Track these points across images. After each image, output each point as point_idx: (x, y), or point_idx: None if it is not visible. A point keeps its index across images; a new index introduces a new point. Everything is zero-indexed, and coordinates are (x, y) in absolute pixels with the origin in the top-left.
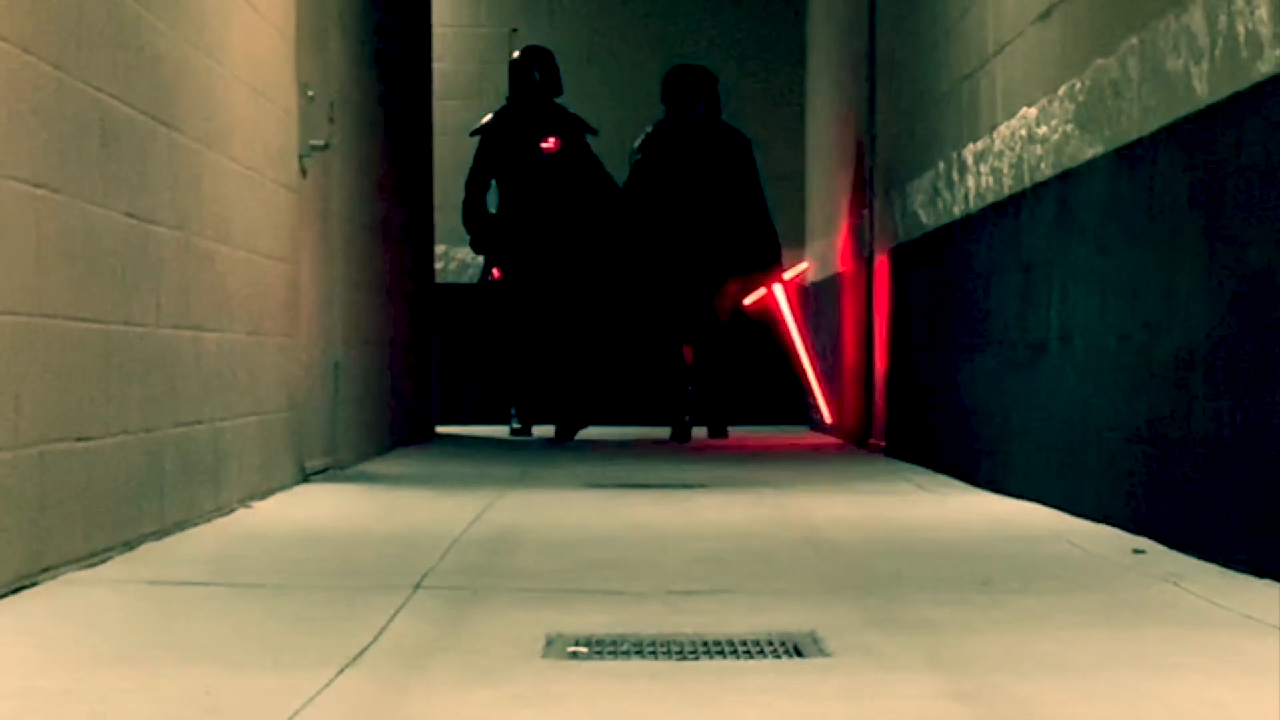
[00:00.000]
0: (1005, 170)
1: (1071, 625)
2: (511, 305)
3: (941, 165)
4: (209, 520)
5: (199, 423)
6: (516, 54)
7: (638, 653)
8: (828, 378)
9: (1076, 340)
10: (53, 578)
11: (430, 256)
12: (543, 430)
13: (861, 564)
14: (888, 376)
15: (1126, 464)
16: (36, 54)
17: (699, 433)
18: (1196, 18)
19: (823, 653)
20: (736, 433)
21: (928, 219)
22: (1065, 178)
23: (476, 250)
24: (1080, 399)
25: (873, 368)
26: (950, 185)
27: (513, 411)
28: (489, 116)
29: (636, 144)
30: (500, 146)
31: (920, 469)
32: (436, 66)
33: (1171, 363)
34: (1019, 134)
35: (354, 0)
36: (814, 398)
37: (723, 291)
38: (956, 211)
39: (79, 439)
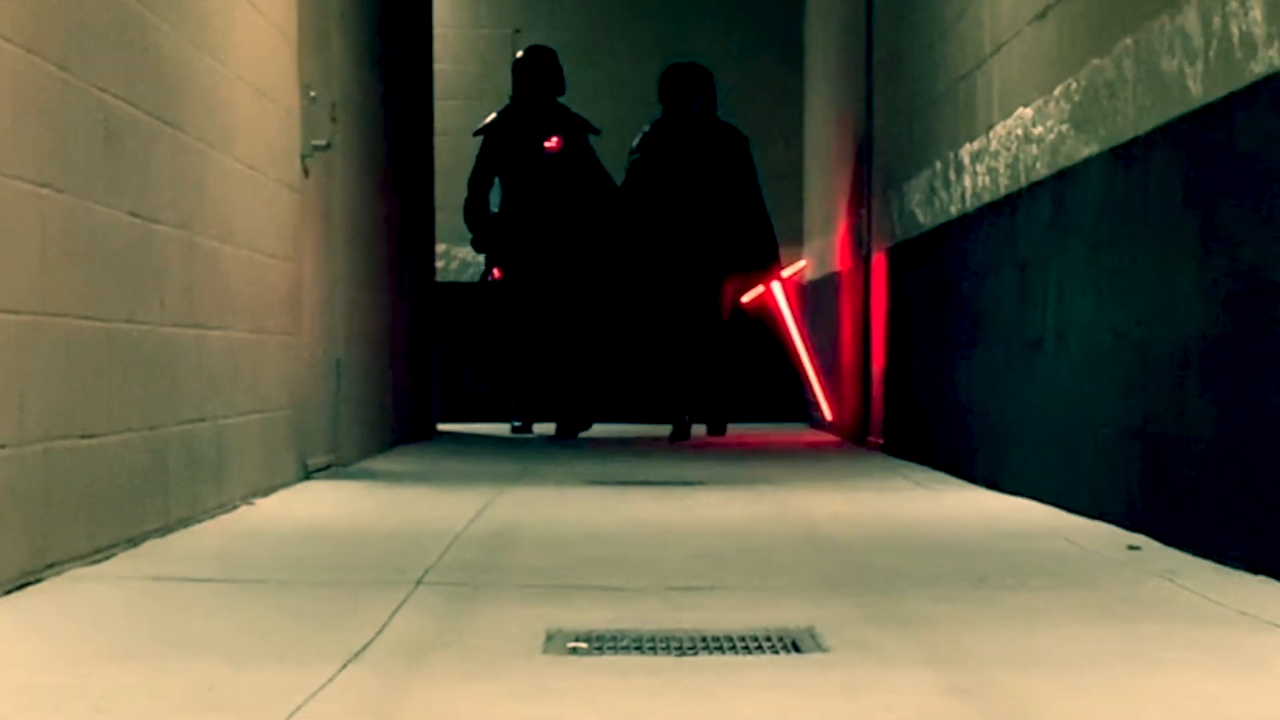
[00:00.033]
0: (1002, 170)
1: (1067, 621)
2: (513, 304)
3: (939, 165)
4: (212, 517)
5: (202, 420)
6: (520, 53)
7: (637, 648)
8: (827, 375)
9: (1072, 338)
10: (57, 574)
11: (431, 255)
12: (544, 428)
13: (859, 560)
14: (885, 375)
15: (1122, 461)
16: (41, 55)
17: (698, 430)
18: (1191, 18)
19: (820, 648)
20: (735, 430)
21: (925, 218)
22: (1061, 177)
23: (477, 249)
24: (1076, 396)
25: (870, 366)
26: (947, 185)
27: (514, 409)
28: (492, 116)
29: (634, 143)
30: (503, 145)
31: (917, 466)
32: (437, 67)
33: (1166, 360)
34: (1015, 134)
35: (355, 1)
36: (814, 395)
37: (723, 290)
38: (953, 211)
39: (83, 436)
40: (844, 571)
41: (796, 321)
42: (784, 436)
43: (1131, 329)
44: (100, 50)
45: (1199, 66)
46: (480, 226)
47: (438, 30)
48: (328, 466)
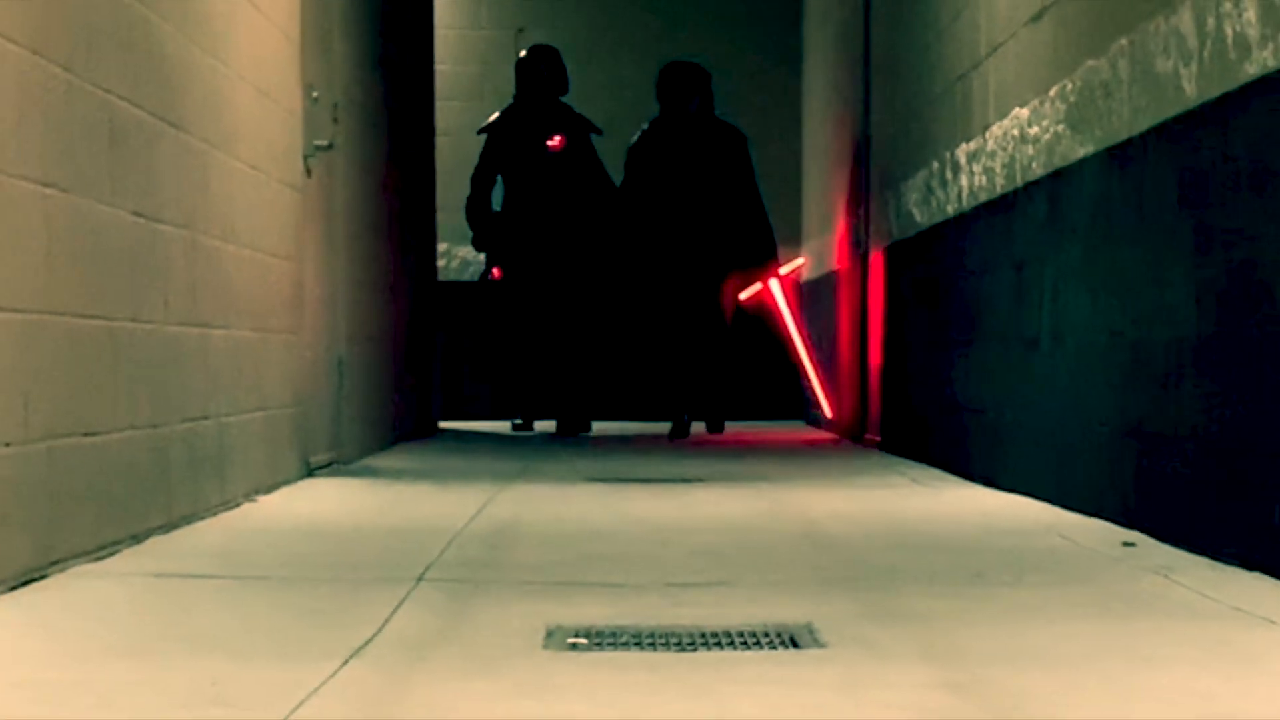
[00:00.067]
0: (998, 169)
1: (1063, 617)
2: (514, 302)
3: (935, 165)
4: (215, 514)
5: (205, 418)
6: (524, 53)
7: (637, 644)
8: (825, 373)
9: (1068, 337)
10: (62, 571)
11: (432, 254)
12: (544, 426)
13: (857, 557)
14: (882, 373)
15: (1117, 458)
16: (46, 56)
17: (697, 428)
18: (1186, 20)
19: (818, 644)
20: (733, 428)
21: (922, 217)
22: (1057, 177)
23: (478, 248)
24: (1071, 394)
25: (867, 364)
26: (944, 184)
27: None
28: (496, 114)
29: (632, 142)
30: (507, 144)
31: (915, 464)
32: (438, 68)
33: (1161, 359)
34: (1011, 134)
35: (357, 3)
36: (813, 392)
37: (725, 289)
38: (950, 210)
39: (87, 434)
40: (842, 568)
41: (795, 319)
42: (781, 434)
43: (1127, 328)
44: (104, 51)
45: (1193, 67)
46: (481, 225)
47: (439, 32)
48: (330, 464)
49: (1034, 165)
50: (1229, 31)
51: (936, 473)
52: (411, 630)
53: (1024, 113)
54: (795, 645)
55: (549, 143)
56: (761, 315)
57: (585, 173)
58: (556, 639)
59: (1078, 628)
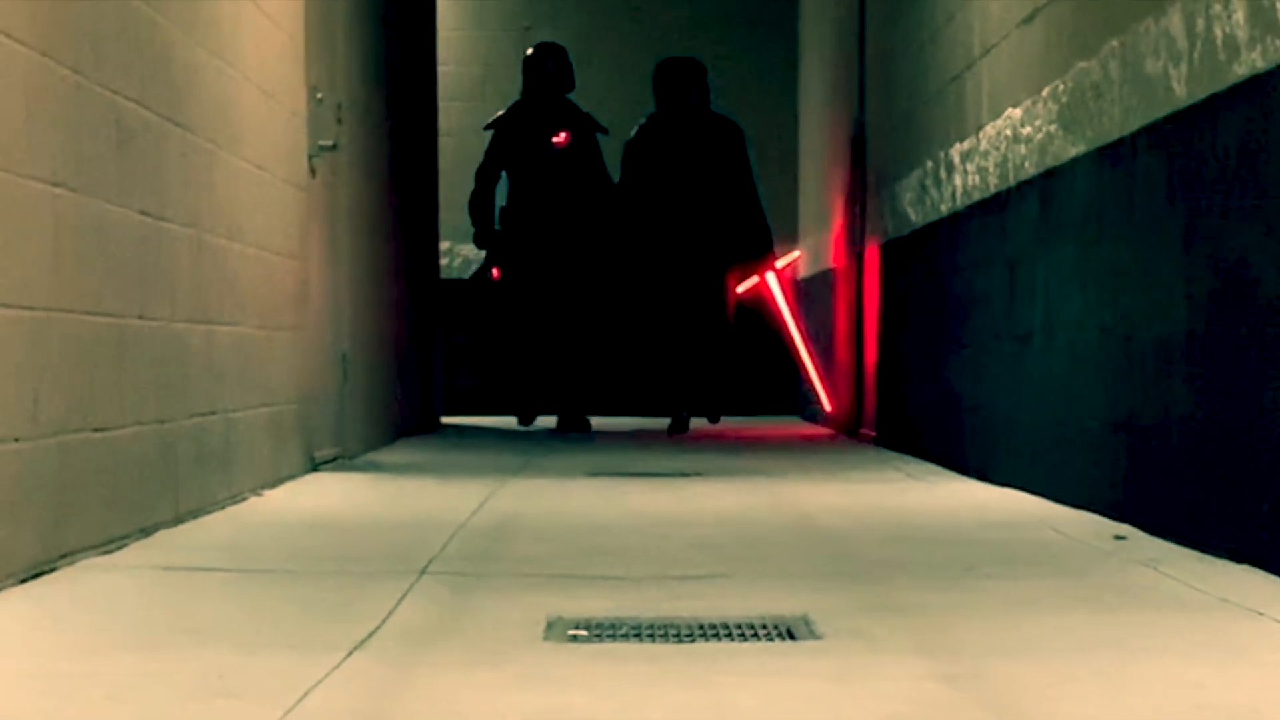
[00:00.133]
0: (991, 169)
1: (1055, 609)
2: (517, 298)
3: (930, 164)
4: (222, 508)
5: (212, 413)
6: (530, 50)
7: (636, 636)
8: (823, 367)
9: (1059, 333)
10: (71, 564)
11: (435, 253)
12: (545, 422)
13: (852, 550)
14: (878, 369)
15: (1108, 452)
16: (54, 58)
17: (696, 424)
18: (1175, 21)
19: (815, 636)
20: (729, 423)
21: (916, 216)
22: (1049, 176)
23: (479, 245)
24: (1063, 390)
25: (863, 360)
26: (938, 183)
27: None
28: (502, 110)
29: (630, 137)
30: (512, 140)
31: (909, 458)
32: (441, 69)
33: (1151, 354)
34: (1004, 134)
35: (361, 5)
36: (811, 386)
37: (726, 283)
38: (944, 209)
39: (96, 429)
40: (838, 561)
41: (792, 312)
42: (778, 430)
43: (1118, 324)
44: (112, 53)
45: (1183, 68)
46: (483, 221)
47: (441, 33)
48: (334, 459)
49: (1026, 165)
50: (1218, 33)
51: (931, 467)
52: (415, 622)
53: (1017, 113)
54: (792, 637)
55: (554, 139)
56: (759, 309)
57: (588, 170)
58: (557, 631)
59: (1069, 620)
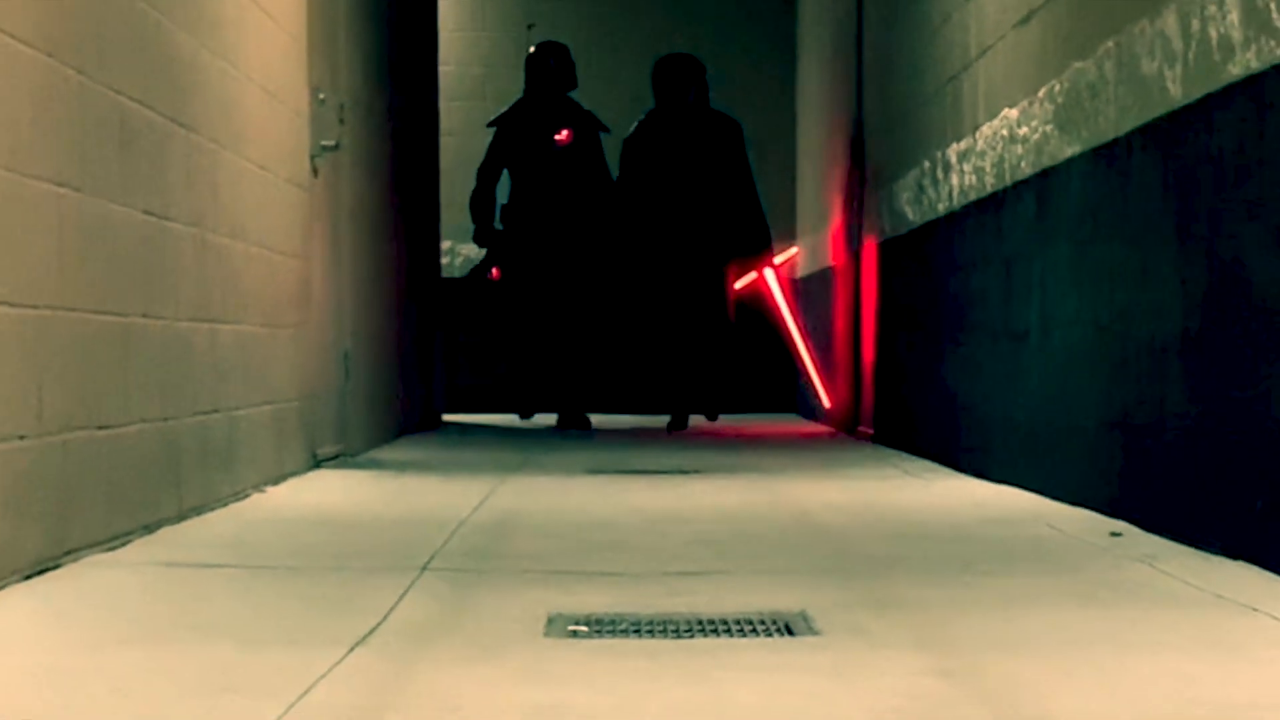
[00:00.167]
0: (988, 169)
1: (1052, 605)
2: (518, 296)
3: (927, 164)
4: (225, 505)
5: (215, 411)
6: (533, 48)
7: (635, 631)
8: (822, 364)
9: (1055, 331)
10: (75, 560)
11: (436, 252)
12: (545, 419)
13: (850, 547)
14: (875, 367)
15: (1104, 449)
16: (60, 59)
17: (696, 421)
18: (1170, 22)
19: (813, 631)
20: (727, 420)
21: (914, 215)
22: (1045, 176)
23: (479, 243)
24: (1059, 387)
25: (861, 358)
26: (935, 183)
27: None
28: (505, 108)
29: (628, 134)
30: (515, 137)
31: (906, 455)
32: (442, 69)
33: (1146, 352)
34: (1001, 134)
35: (363, 6)
36: (810, 381)
37: (727, 280)
38: (941, 208)
39: (100, 427)
40: (835, 557)
41: (790, 308)
42: (776, 427)
43: (1113, 322)
44: (117, 54)
45: (1178, 69)
46: (484, 220)
47: (443, 33)
48: (336, 456)
49: (1023, 164)
50: (1213, 34)
51: (928, 464)
52: (416, 618)
53: (1013, 113)
54: (790, 632)
55: (556, 137)
56: (758, 307)
57: (590, 168)
58: (557, 626)
59: (1066, 615)
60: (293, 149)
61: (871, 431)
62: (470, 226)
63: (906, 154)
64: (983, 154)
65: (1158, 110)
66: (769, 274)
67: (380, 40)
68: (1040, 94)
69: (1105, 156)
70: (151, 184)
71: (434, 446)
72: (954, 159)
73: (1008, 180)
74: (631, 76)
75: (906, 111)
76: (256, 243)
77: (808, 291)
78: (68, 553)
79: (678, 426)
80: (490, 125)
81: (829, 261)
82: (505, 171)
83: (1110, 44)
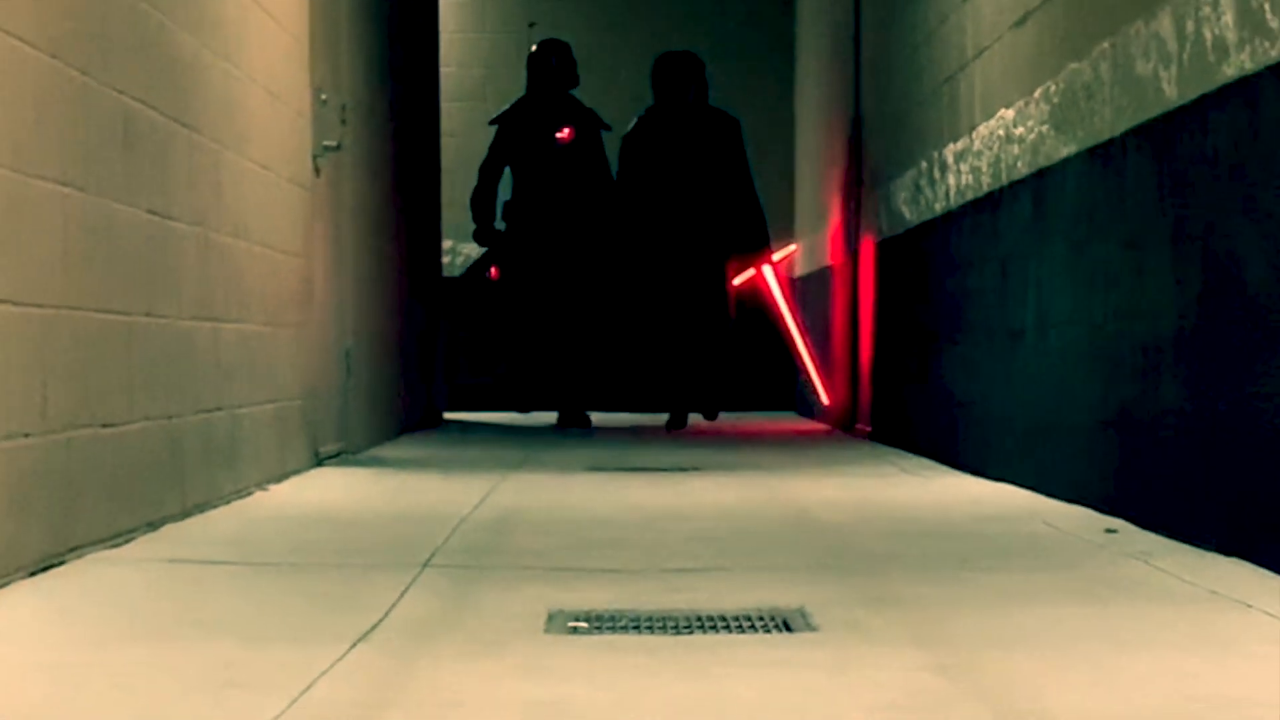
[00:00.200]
0: (984, 169)
1: (1048, 602)
2: (519, 293)
3: (924, 164)
4: (228, 502)
5: (218, 409)
6: (535, 47)
7: (635, 628)
8: (821, 361)
9: (1051, 330)
10: (79, 557)
11: (437, 251)
12: (545, 417)
13: (848, 543)
14: (873, 365)
15: (1099, 447)
16: (64, 60)
17: (695, 419)
18: (1165, 24)
19: (811, 628)
20: (726, 418)
21: (911, 215)
22: (1041, 176)
23: (479, 241)
24: (1055, 385)
25: (859, 357)
26: (932, 183)
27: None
28: (508, 106)
29: (627, 131)
30: (517, 135)
31: (904, 453)
32: (444, 70)
33: (1141, 351)
34: (997, 134)
35: (365, 7)
36: (809, 377)
37: (728, 277)
38: (938, 208)
39: (104, 425)
40: (833, 554)
41: (789, 305)
42: (774, 425)
43: (1108, 321)
44: (120, 55)
45: (1173, 70)
46: (484, 218)
47: (444, 35)
48: (338, 454)
49: (1019, 165)
50: (1208, 35)
51: (925, 462)
52: (417, 614)
53: (1009, 114)
54: (789, 629)
55: (558, 135)
56: (757, 303)
57: (592, 165)
58: (558, 622)
59: (1062, 611)
60: (295, 149)
61: (869, 429)
62: (471, 225)
63: (904, 154)
64: (979, 154)
65: (1153, 111)
66: (767, 271)
67: (382, 41)
68: (1036, 95)
69: (1101, 157)
70: (155, 184)
71: (435, 444)
72: (951, 159)
73: (1004, 180)
74: (631, 77)
75: (904, 112)
76: (259, 242)
77: (806, 290)
78: (72, 550)
79: (677, 425)
80: (492, 123)
81: (827, 261)
82: (507, 169)
83: (1106, 45)
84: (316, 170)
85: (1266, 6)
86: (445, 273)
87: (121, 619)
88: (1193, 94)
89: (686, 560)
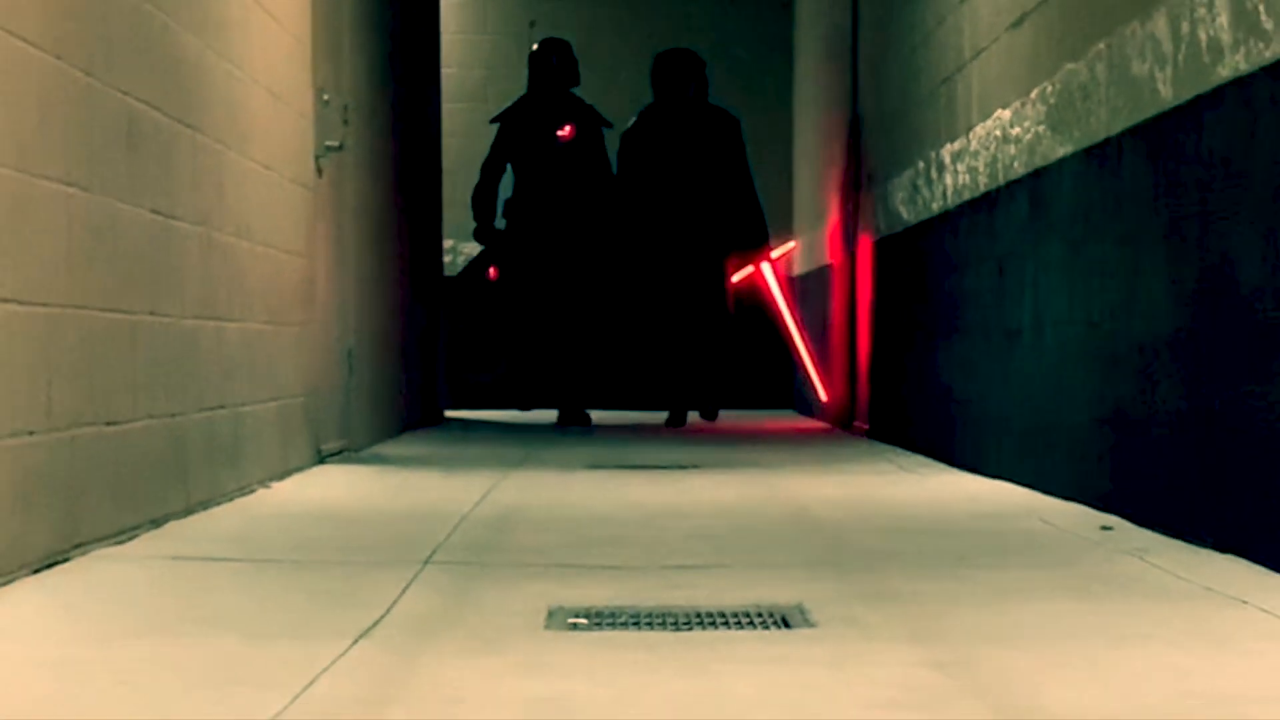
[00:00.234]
0: (981, 169)
1: (1043, 598)
2: (520, 291)
3: (921, 164)
4: (231, 499)
5: (221, 407)
6: (536, 45)
7: (635, 624)
8: (819, 357)
9: (1048, 328)
10: (84, 554)
11: (439, 250)
12: (544, 414)
13: (846, 540)
14: (871, 363)
15: (1095, 445)
16: (68, 61)
17: (693, 418)
18: (1161, 25)
19: (809, 624)
20: (725, 416)
21: (908, 214)
22: (1037, 176)
23: (479, 240)
24: (1051, 383)
25: (857, 355)
26: (929, 183)
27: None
28: (509, 104)
29: (626, 128)
30: (518, 133)
31: (901, 451)
32: (445, 72)
33: (1137, 350)
34: (994, 134)
35: (367, 9)
36: (807, 373)
37: (727, 274)
38: (935, 207)
39: (108, 423)
40: (831, 551)
41: (787, 302)
42: (773, 423)
43: (1104, 320)
44: (124, 56)
45: (1169, 70)
46: (485, 216)
47: (445, 37)
48: (340, 451)
49: (1016, 164)
50: (1202, 36)
51: (923, 460)
52: (419, 611)
53: (1006, 114)
54: (787, 625)
55: (559, 132)
56: (756, 301)
57: (593, 163)
58: (558, 619)
59: (1058, 608)
60: (297, 149)
61: (867, 427)
62: (473, 224)
63: (901, 154)
64: (976, 154)
65: (1148, 111)
66: (766, 268)
67: (383, 42)
68: (1033, 95)
69: (1097, 157)
70: (159, 184)
71: (436, 442)
72: (948, 159)
73: (1001, 180)
74: (630, 77)
75: (901, 112)
76: (262, 242)
77: (805, 289)
78: (76, 546)
79: (676, 423)
80: (493, 121)
81: (825, 260)
82: (509, 167)
83: (1102, 46)
84: (319, 170)
85: (1261, 8)
86: (446, 272)
87: (125, 615)
88: (1188, 94)
89: (686, 557)
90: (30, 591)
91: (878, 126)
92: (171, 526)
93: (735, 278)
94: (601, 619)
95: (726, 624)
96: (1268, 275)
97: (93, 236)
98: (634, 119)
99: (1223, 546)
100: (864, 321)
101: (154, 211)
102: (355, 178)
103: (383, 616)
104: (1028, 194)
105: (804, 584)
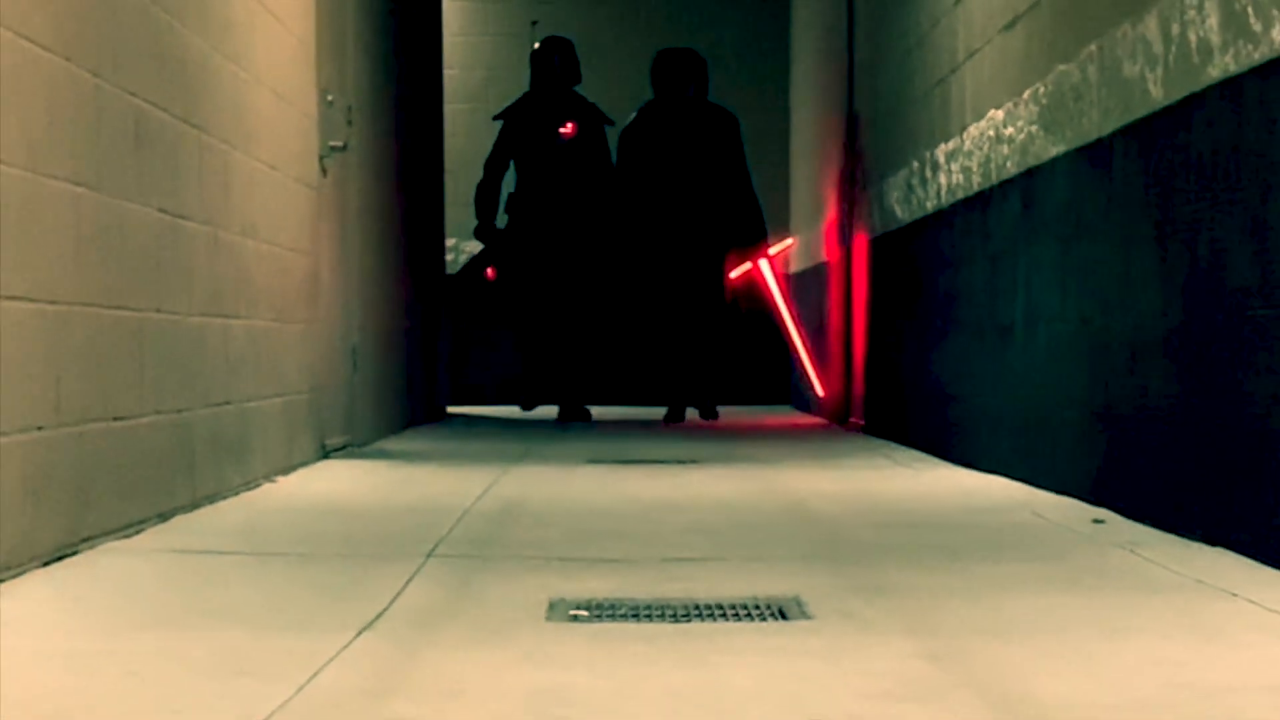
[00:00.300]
0: (975, 168)
1: (1036, 591)
2: (521, 288)
3: (916, 164)
4: (236, 494)
5: (227, 403)
6: (538, 44)
7: (634, 616)
8: (816, 353)
9: (1040, 325)
10: (91, 547)
11: (441, 249)
12: (545, 411)
13: (842, 534)
14: (866, 360)
15: (1087, 439)
16: (76, 62)
17: (691, 414)
18: (1152, 26)
19: (806, 616)
20: (723, 413)
21: (903, 213)
22: (1030, 175)
23: (480, 238)
24: (1044, 379)
25: (852, 352)
26: (924, 182)
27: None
28: (512, 102)
29: (625, 125)
30: (521, 130)
31: (896, 446)
32: (446, 73)
33: (1128, 346)
34: (987, 134)
35: (370, 11)
36: (803, 369)
37: (725, 272)
38: (930, 206)
39: (115, 419)
40: (828, 544)
41: (785, 299)
42: (770, 419)
43: (1096, 317)
44: (131, 57)
45: (1159, 71)
46: (486, 214)
47: (447, 38)
48: (344, 446)
49: (1009, 164)
50: (1192, 38)
51: (918, 455)
52: (421, 603)
53: (999, 114)
54: (784, 617)
55: (561, 130)
56: (755, 298)
57: (595, 160)
58: (559, 611)
59: (1051, 600)
60: (302, 150)
61: (863, 423)
62: (474, 222)
63: (896, 154)
64: (970, 154)
65: (1139, 111)
66: (764, 265)
67: (386, 44)
68: (1025, 96)
69: (1089, 156)
70: (165, 183)
71: (439, 438)
72: (942, 159)
73: (994, 179)
74: (630, 77)
75: (896, 112)
76: (267, 240)
77: (802, 286)
78: (84, 540)
79: (675, 419)
80: (496, 118)
81: (822, 257)
82: (511, 164)
83: (1093, 47)
84: (323, 170)
85: (1250, 9)
86: (448, 270)
87: (132, 608)
88: (1178, 95)
89: (684, 550)
90: (39, 584)
91: (873, 126)
92: (178, 520)
93: (733, 274)
94: (602, 611)
95: (725, 616)
96: (1256, 271)
97: (101, 235)
98: (633, 115)
99: (1213, 540)
100: (860, 318)
101: (161, 210)
102: (359, 177)
103: (386, 609)
104: (1020, 193)
105: (801, 577)
